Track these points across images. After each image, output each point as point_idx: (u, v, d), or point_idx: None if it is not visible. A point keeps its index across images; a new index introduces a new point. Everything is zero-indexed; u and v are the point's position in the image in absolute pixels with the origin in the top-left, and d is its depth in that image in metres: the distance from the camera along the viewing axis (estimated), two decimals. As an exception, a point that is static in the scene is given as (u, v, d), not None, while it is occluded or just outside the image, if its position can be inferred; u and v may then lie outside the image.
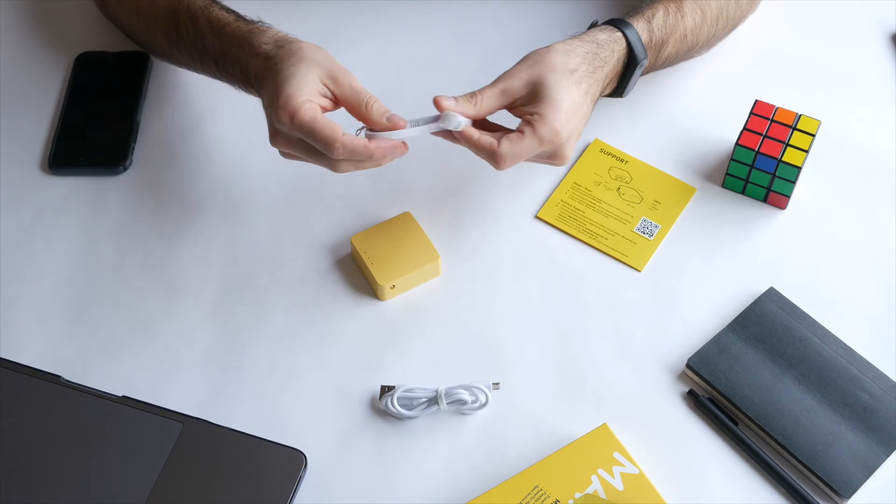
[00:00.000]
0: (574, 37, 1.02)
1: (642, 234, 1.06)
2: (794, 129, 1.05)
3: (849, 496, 0.91)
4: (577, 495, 0.90)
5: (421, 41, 1.20)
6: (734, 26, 1.14)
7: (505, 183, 1.10)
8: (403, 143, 0.95)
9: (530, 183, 1.10)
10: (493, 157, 0.96)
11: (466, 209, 1.09)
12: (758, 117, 1.06)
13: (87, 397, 0.95)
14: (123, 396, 0.96)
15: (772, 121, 1.05)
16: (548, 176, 1.10)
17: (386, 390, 0.97)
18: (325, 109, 0.95)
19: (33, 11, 1.23)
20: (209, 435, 0.94)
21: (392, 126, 0.94)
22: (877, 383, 0.96)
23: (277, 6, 1.20)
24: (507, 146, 0.95)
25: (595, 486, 0.91)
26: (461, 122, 0.96)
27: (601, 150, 1.11)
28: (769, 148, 1.04)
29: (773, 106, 1.06)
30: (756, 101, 1.07)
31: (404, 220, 1.05)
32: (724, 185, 1.09)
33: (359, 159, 0.94)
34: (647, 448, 0.94)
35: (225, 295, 1.04)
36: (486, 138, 0.96)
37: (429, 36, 1.21)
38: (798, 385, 0.96)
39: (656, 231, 1.06)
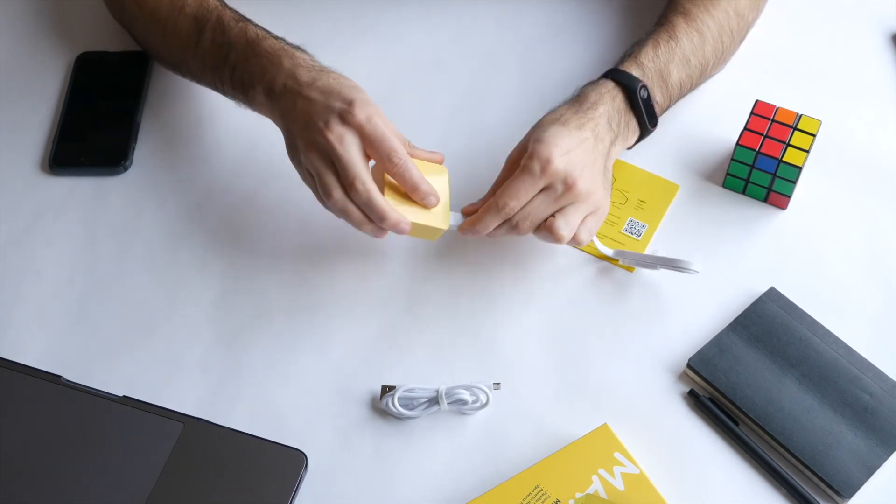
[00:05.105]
0: None
1: (630, 235, 1.06)
2: (795, 129, 1.05)
3: (849, 496, 0.91)
4: (578, 495, 0.90)
5: (421, 41, 1.20)
6: (742, 38, 1.13)
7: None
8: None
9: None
10: (490, 208, 0.96)
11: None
12: (758, 117, 1.06)
13: (87, 397, 0.95)
14: (123, 396, 0.96)
15: (772, 121, 1.05)
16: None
17: (387, 390, 0.97)
18: None
19: (34, 11, 1.23)
20: (209, 435, 0.94)
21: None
22: (877, 383, 0.96)
23: (277, 6, 1.20)
24: (502, 188, 0.96)
25: (596, 486, 0.91)
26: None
27: None
28: (770, 148, 1.04)
29: (774, 106, 1.06)
30: (756, 101, 1.07)
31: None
32: (725, 185, 1.09)
33: (374, 209, 0.95)
34: (648, 448, 0.94)
35: (225, 295, 1.04)
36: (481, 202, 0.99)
37: (429, 36, 1.21)
38: (798, 385, 0.96)
39: (644, 230, 1.06)
